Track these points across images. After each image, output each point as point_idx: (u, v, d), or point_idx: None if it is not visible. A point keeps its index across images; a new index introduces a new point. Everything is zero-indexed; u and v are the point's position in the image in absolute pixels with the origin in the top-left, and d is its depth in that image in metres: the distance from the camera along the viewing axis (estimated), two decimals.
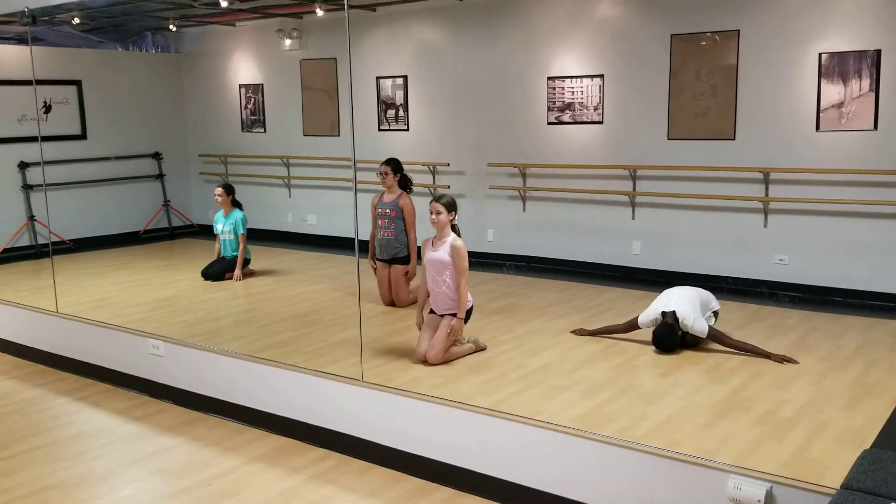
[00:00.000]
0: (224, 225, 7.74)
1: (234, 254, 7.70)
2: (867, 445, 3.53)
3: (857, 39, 6.34)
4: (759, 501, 3.24)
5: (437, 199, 5.11)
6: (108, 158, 10.33)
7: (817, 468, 3.39)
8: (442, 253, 5.06)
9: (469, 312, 5.10)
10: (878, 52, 6.25)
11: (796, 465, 3.42)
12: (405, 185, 6.50)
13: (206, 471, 4.42)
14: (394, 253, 6.43)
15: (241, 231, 7.66)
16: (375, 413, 4.49)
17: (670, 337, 5.03)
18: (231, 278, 7.61)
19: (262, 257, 8.77)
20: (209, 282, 7.55)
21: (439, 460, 4.22)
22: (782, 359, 4.87)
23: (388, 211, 6.40)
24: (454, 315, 4.97)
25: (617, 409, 4.15)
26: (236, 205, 7.79)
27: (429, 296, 5.17)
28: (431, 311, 5.14)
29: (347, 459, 4.53)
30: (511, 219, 8.43)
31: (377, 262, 6.55)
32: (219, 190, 7.77)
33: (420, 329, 5.14)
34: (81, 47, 10.34)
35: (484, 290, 6.98)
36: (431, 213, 5.08)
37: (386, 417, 4.45)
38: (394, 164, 6.49)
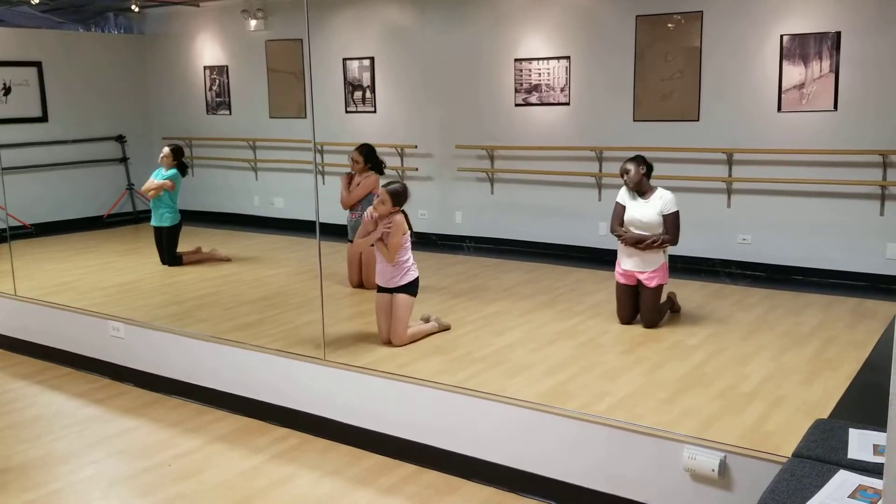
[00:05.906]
0: (157, 179, 7.43)
1: (166, 224, 7.37)
2: (824, 417, 3.59)
3: (818, 21, 6.40)
4: (713, 470, 3.28)
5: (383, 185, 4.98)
6: (69, 141, 10.16)
7: (774, 440, 3.43)
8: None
9: (416, 285, 4.98)
10: (838, 33, 6.31)
11: (753, 437, 3.47)
12: (378, 168, 6.44)
13: (167, 451, 4.38)
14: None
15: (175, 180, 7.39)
16: (337, 391, 4.48)
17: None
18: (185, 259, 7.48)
19: (228, 241, 8.68)
20: (171, 267, 7.45)
21: (401, 437, 4.22)
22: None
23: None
24: (400, 290, 4.89)
25: (579, 385, 4.17)
26: (180, 167, 7.56)
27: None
28: (379, 289, 5.00)
29: (310, 438, 4.52)
30: (479, 201, 8.42)
31: (349, 242, 6.47)
32: (166, 150, 7.55)
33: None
34: (41, 28, 10.12)
35: (452, 272, 6.98)
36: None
37: (347, 396, 4.44)
38: (366, 152, 6.38)
